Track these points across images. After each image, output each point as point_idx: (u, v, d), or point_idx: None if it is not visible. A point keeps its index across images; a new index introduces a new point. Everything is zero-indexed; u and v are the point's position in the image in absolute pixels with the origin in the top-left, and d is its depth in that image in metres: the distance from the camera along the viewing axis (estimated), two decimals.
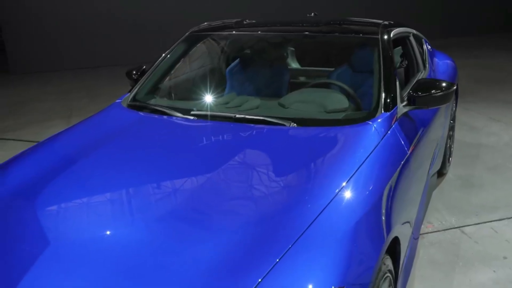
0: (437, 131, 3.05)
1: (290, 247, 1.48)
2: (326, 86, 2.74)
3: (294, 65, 3.82)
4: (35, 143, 2.41)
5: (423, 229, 3.05)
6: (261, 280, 1.39)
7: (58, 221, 1.77)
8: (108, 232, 1.66)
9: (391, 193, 1.91)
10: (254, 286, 1.37)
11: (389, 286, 1.81)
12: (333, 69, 3.02)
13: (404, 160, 2.16)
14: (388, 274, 1.78)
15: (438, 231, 3.13)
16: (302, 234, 1.53)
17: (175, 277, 1.43)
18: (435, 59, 3.74)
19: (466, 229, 3.14)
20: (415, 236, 2.45)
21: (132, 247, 1.55)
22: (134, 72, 3.06)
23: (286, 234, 1.54)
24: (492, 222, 3.21)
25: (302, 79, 3.58)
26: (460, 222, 3.22)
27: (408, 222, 2.14)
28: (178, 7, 9.57)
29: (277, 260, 1.44)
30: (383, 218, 1.76)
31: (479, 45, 10.30)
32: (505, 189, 3.68)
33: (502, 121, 5.24)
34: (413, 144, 2.34)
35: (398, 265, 1.97)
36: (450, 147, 3.97)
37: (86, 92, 7.45)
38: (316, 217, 1.60)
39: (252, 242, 1.52)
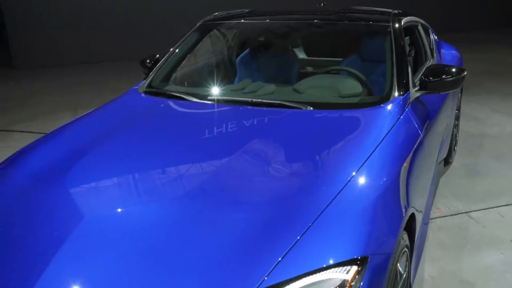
0: (445, 118, 3.11)
1: (312, 223, 1.53)
2: (339, 72, 2.80)
3: (301, 55, 3.88)
4: (43, 135, 2.44)
5: (432, 214, 3.12)
6: (286, 252, 1.44)
7: (84, 200, 1.82)
8: (133, 211, 1.70)
9: (406, 173, 1.97)
10: (281, 258, 1.42)
11: (406, 261, 1.88)
12: (343, 58, 3.08)
13: (418, 142, 2.22)
14: (406, 249, 1.85)
15: (446, 216, 3.20)
16: (324, 209, 1.59)
17: (198, 252, 1.47)
18: (442, 49, 3.81)
19: (473, 214, 3.21)
20: (425, 221, 2.52)
21: (158, 224, 1.60)
22: (148, 60, 3.12)
23: (308, 211, 1.58)
24: (499, 208, 3.28)
25: (309, 69, 3.63)
26: (467, 207, 3.29)
27: (422, 201, 2.21)
28: (181, 2, 9.60)
29: (300, 235, 1.49)
30: (401, 194, 1.83)
31: (479, 40, 10.36)
32: (510, 176, 3.75)
33: (505, 113, 5.31)
34: (425, 128, 2.41)
35: (413, 242, 2.03)
36: (455, 136, 4.04)
37: (90, 86, 7.48)
38: (337, 194, 1.66)
39: (274, 219, 1.57)
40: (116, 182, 1.90)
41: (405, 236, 1.84)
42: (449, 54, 3.88)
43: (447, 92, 2.52)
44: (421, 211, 2.19)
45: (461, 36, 10.75)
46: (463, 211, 3.25)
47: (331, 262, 1.42)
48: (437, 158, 2.93)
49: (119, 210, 1.73)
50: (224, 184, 1.78)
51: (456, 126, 4.00)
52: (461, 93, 4.22)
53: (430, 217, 3.05)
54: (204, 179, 1.83)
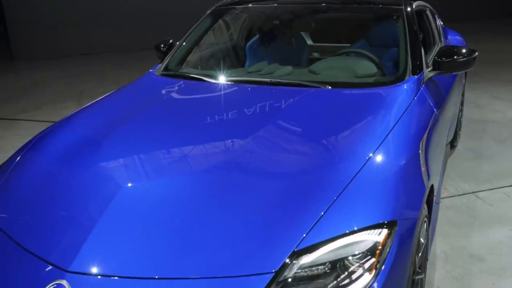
0: (454, 101, 3.19)
1: (342, 191, 1.60)
2: (349, 55, 2.86)
3: (308, 41, 3.93)
4: (50, 124, 2.45)
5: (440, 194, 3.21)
6: (320, 217, 1.51)
7: (114, 177, 1.86)
8: (165, 185, 1.74)
9: (424, 148, 2.05)
10: (315, 222, 1.50)
11: (426, 231, 1.96)
12: (355, 40, 3.14)
13: (433, 119, 2.30)
14: (426, 219, 1.93)
15: (454, 196, 3.29)
16: (353, 178, 1.65)
17: (235, 220, 1.54)
18: (448, 35, 3.89)
19: (480, 194, 3.31)
20: (437, 201, 2.60)
21: (195, 195, 1.65)
22: (162, 45, 3.17)
23: (336, 180, 1.65)
24: (504, 188, 3.38)
25: (315, 55, 3.69)
26: (474, 188, 3.39)
27: (437, 177, 2.29)
28: None
29: (332, 201, 1.55)
30: (422, 167, 1.90)
31: (478, 30, 10.45)
32: None
33: (505, 99, 5.41)
34: (439, 106, 2.49)
35: (430, 214, 2.11)
36: (460, 120, 4.13)
37: (92, 77, 7.50)
38: (364, 165, 1.72)
39: (305, 187, 1.64)
40: (144, 158, 1.95)
41: (425, 207, 1.92)
42: (454, 40, 3.96)
43: (459, 72, 2.60)
44: (437, 186, 2.27)
45: (459, 26, 10.84)
46: (470, 191, 3.35)
47: (363, 225, 1.49)
48: (446, 139, 3.02)
49: (148, 185, 1.78)
50: (255, 157, 1.84)
51: (460, 111, 4.09)
52: (465, 79, 4.30)
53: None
54: (234, 153, 1.89)
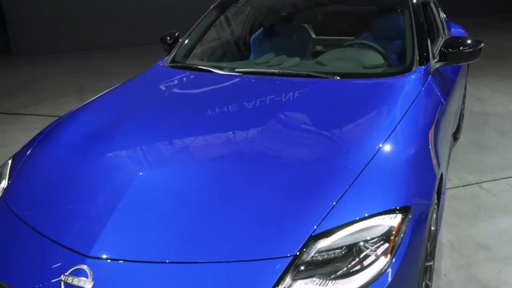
0: (458, 93, 3.22)
1: (356, 177, 1.62)
2: (358, 46, 2.88)
3: (312, 35, 3.95)
4: (53, 118, 2.44)
5: None
6: (336, 202, 1.53)
7: (133, 161, 1.89)
8: (182, 172, 1.77)
9: (434, 136, 2.07)
10: (331, 207, 1.52)
11: (435, 218, 1.99)
12: (362, 31, 3.16)
13: (441, 109, 2.32)
14: (435, 207, 1.96)
15: (458, 187, 3.32)
16: (366, 166, 1.67)
17: (252, 203, 1.56)
18: (451, 28, 3.91)
19: (484, 185, 3.34)
20: (442, 191, 2.63)
21: (214, 179, 1.68)
22: (168, 38, 3.18)
23: (350, 168, 1.67)
24: (508, 179, 3.41)
25: (318, 47, 3.71)
26: (477, 179, 3.42)
27: (445, 165, 2.31)
28: None
29: (347, 187, 1.58)
30: (432, 155, 1.93)
31: (475, 26, 10.46)
32: None
33: (505, 93, 5.45)
34: (446, 97, 2.51)
35: (439, 202, 2.14)
36: (462, 113, 4.16)
37: (92, 71, 7.49)
38: (376, 153, 1.74)
39: (320, 174, 1.66)
40: (158, 148, 1.96)
41: (435, 195, 1.95)
42: (457, 32, 3.98)
43: (465, 63, 2.62)
44: (444, 176, 2.30)
45: (459, 21, 10.86)
46: (474, 182, 3.38)
47: (377, 210, 1.52)
48: (451, 130, 3.04)
49: (162, 173, 1.79)
50: (268, 146, 1.85)
51: (463, 103, 4.12)
52: (467, 73, 4.33)
53: None
54: (247, 142, 1.91)
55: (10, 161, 2.06)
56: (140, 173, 1.75)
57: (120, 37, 9.40)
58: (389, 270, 1.45)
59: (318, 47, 3.68)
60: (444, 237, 2.73)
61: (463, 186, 3.33)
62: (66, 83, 6.82)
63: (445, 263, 2.52)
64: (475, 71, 6.29)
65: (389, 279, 1.44)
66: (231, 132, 1.98)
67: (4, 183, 1.92)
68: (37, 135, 2.24)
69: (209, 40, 3.12)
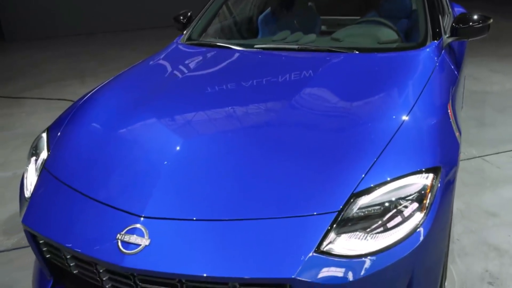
0: (463, 69, 3.33)
1: (388, 143, 1.70)
2: (371, 23, 2.97)
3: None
4: (56, 101, 2.46)
5: None
6: (373, 163, 1.62)
7: (177, 127, 1.96)
8: (227, 137, 1.85)
9: (452, 107, 2.18)
10: (368, 169, 1.61)
11: None
12: (364, 15, 3.25)
13: (456, 81, 2.43)
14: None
15: (463, 160, 3.45)
16: (395, 132, 1.76)
17: (295, 164, 1.65)
18: (454, 7, 4.02)
19: (487, 157, 3.48)
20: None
21: (253, 144, 1.76)
22: (182, 17, 3.23)
23: (381, 134, 1.75)
24: (509, 152, 3.56)
25: (323, 28, 3.78)
26: (481, 152, 3.56)
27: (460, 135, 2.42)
28: None
29: (381, 150, 1.67)
30: (452, 123, 2.03)
31: (469, 8, 10.62)
32: None
33: (502, 72, 5.60)
34: (457, 71, 2.62)
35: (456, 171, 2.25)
36: (463, 91, 4.29)
37: (90, 56, 7.47)
38: (403, 122, 1.83)
39: (353, 139, 1.75)
40: (199, 113, 2.03)
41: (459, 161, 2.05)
42: (459, 12, 4.09)
43: (474, 38, 2.72)
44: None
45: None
46: (477, 156, 3.51)
47: (411, 170, 1.62)
48: (461, 103, 3.16)
49: (207, 138, 1.86)
50: (302, 114, 1.94)
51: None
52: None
53: None
54: (282, 111, 1.98)
55: (44, 134, 2.12)
56: (186, 137, 1.83)
57: (112, 21, 9.34)
58: (421, 230, 1.55)
59: (323, 28, 3.76)
60: (454, 205, 2.85)
61: (467, 159, 3.47)
62: (66, 67, 6.81)
63: (457, 229, 2.65)
64: (471, 52, 6.40)
65: (421, 237, 1.52)
66: (264, 103, 2.06)
67: (44, 153, 1.99)
68: (69, 107, 2.30)
69: (224, 19, 3.18)
